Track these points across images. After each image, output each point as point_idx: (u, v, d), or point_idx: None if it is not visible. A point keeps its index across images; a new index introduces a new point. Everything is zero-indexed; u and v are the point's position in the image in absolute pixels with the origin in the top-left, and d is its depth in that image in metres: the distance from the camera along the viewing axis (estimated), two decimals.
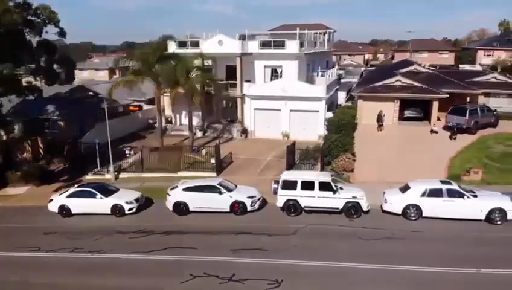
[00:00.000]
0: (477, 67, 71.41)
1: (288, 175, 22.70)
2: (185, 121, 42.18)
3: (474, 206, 20.08)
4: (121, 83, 32.59)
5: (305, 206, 21.94)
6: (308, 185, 21.68)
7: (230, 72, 39.19)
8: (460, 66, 77.00)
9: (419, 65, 44.65)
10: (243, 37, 41.93)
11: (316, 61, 46.28)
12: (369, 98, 36.19)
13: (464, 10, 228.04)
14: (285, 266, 16.72)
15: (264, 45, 39.12)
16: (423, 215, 20.77)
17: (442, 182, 21.15)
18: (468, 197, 20.22)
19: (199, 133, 39.14)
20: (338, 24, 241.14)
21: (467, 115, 31.39)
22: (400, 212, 21.09)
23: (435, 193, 20.56)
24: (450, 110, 32.69)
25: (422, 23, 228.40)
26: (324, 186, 21.55)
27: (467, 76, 39.76)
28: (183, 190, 23.04)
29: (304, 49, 40.82)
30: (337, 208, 21.55)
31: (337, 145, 27.94)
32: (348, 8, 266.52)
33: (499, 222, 19.84)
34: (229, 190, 22.85)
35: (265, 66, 39.89)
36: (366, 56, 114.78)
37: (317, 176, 22.69)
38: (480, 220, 20.16)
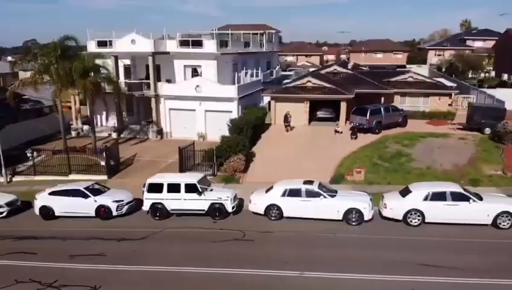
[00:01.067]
0: (424, 67, 72.25)
1: (154, 178, 22.27)
2: (105, 122, 41.64)
3: (331, 207, 19.93)
4: (20, 84, 31.65)
5: (171, 209, 21.52)
6: (174, 188, 21.27)
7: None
8: (408, 66, 77.95)
9: (345, 64, 44.76)
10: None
11: (248, 61, 45.97)
12: (281, 99, 36.00)
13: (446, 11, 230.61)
14: (110, 272, 16.22)
15: (182, 44, 38.63)
16: (284, 215, 20.57)
17: (305, 182, 20.93)
18: (325, 197, 20.06)
19: (114, 135, 38.48)
20: (319, 24, 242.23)
21: (368, 115, 31.39)
22: (262, 213, 20.86)
23: (294, 193, 20.38)
24: (353, 110, 32.70)
25: (405, 24, 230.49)
26: (190, 188, 21.16)
27: (387, 76, 39.88)
28: (49, 194, 22.42)
29: (228, 49, 40.64)
30: (203, 210, 21.19)
31: (229, 146, 27.58)
32: (333, 8, 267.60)
33: (354, 223, 19.72)
34: (97, 194, 22.25)
35: (185, 66, 39.36)
36: (327, 57, 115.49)
37: (184, 177, 22.30)
38: (339, 220, 20.03)
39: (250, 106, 38.66)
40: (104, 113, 41.59)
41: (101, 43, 39.47)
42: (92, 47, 39.46)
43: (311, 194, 20.22)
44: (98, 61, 33.39)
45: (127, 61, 40.37)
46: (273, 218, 20.60)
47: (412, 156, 27.76)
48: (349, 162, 27.67)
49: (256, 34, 53.14)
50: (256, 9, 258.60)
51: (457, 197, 18.97)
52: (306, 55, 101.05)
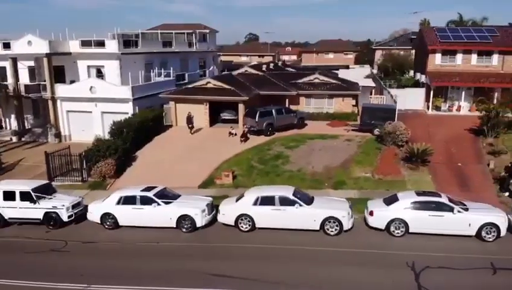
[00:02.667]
0: (366, 67, 72.39)
1: None
2: (14, 126, 40.29)
3: (164, 214, 19.26)
4: None
5: (8, 218, 20.56)
6: (9, 195, 20.34)
7: (56, 72, 37.46)
8: (351, 66, 78.10)
9: (259, 66, 44.29)
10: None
11: (170, 61, 45.10)
12: (181, 100, 35.23)
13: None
14: None
15: (85, 44, 37.58)
16: (120, 224, 19.84)
17: (143, 189, 20.17)
18: (158, 204, 19.37)
19: (15, 138, 37.22)
20: (299, 23, 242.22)
21: (257, 117, 30.86)
22: (99, 222, 20.02)
23: (128, 201, 19.67)
24: (246, 112, 32.19)
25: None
26: (24, 196, 20.24)
27: (296, 77, 39.43)
28: None
29: (138, 49, 39.85)
30: (39, 219, 20.28)
31: (97, 150, 26.70)
32: (310, 7, 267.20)
33: (185, 230, 19.12)
34: None
35: (88, 66, 38.43)
36: (291, 57, 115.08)
37: (20, 185, 21.24)
38: (174, 228, 19.37)
39: (154, 107, 37.79)
40: (13, 116, 40.37)
41: (6, 45, 38.30)
42: None
43: (145, 201, 19.52)
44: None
45: (32, 63, 39.14)
46: (107, 227, 19.83)
47: (289, 159, 27.33)
48: (228, 165, 27.06)
49: (183, 33, 52.28)
50: (239, 8, 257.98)
51: (285, 201, 18.49)
52: (259, 56, 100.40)
